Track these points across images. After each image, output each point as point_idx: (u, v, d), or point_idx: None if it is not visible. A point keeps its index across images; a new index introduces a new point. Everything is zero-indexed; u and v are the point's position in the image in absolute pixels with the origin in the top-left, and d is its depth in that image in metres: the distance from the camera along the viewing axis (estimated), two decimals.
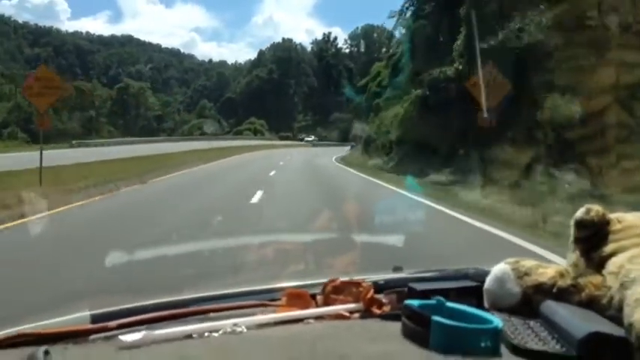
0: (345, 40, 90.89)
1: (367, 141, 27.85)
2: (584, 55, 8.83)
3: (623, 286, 0.72)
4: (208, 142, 41.21)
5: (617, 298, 0.72)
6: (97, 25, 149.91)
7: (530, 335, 0.72)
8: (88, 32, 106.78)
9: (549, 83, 9.69)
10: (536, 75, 10.15)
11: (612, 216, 0.82)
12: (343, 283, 0.90)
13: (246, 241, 4.37)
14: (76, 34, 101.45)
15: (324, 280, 0.92)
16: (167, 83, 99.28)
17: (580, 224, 0.82)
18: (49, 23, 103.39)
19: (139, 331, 0.77)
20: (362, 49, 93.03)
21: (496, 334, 0.66)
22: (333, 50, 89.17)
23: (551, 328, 0.72)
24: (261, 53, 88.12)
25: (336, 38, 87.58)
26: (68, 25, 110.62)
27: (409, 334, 0.69)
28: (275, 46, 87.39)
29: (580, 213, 0.82)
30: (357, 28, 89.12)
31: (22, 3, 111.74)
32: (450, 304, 0.73)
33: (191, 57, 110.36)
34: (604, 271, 0.78)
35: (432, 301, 0.74)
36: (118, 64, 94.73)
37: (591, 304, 0.76)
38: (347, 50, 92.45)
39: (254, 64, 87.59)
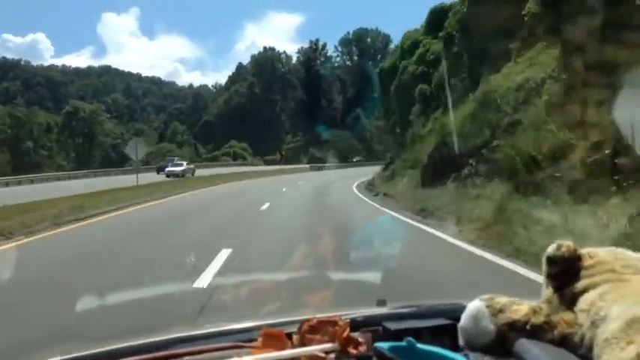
0: (336, 47, 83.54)
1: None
2: None
3: (594, 325, 0.76)
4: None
5: (588, 337, 0.75)
6: (80, 61, 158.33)
7: None
8: (63, 65, 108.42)
9: None
10: None
11: (584, 251, 0.86)
12: (319, 322, 0.93)
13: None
14: (52, 67, 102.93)
15: (301, 318, 0.96)
16: (144, 110, 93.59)
17: (551, 260, 0.85)
18: (33, 62, 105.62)
19: None
20: (355, 57, 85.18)
21: None
22: (322, 59, 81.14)
23: None
24: (240, 67, 79.62)
25: (325, 45, 79.91)
26: (51, 62, 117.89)
27: None
28: (255, 58, 78.95)
29: (551, 249, 0.86)
30: (349, 32, 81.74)
31: (4, 42, 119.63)
32: (420, 345, 0.77)
33: (172, 84, 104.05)
34: (576, 309, 0.81)
35: (403, 343, 0.77)
36: (93, 94, 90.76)
37: (564, 342, 0.79)
38: (338, 58, 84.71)
39: (232, 80, 79.22)
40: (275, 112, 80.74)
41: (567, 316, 0.82)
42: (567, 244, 0.86)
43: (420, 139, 21.21)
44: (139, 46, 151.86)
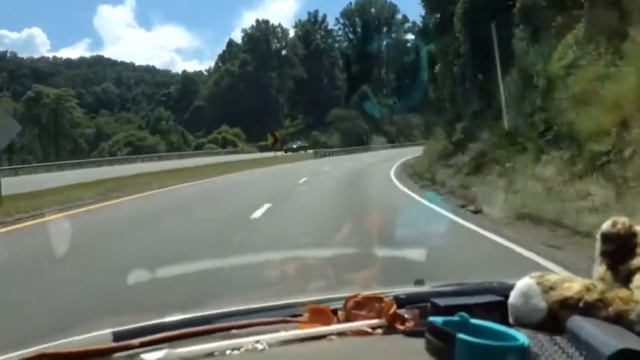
0: (337, 20, 76.63)
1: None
2: None
3: None
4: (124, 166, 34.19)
5: None
6: (76, 53, 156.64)
7: (558, 352, 0.76)
8: (54, 57, 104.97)
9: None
10: None
11: (639, 228, 0.87)
12: (365, 298, 0.97)
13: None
14: (42, 59, 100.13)
15: (346, 295, 0.99)
16: (135, 99, 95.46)
17: (606, 237, 0.86)
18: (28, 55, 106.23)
19: (161, 349, 0.84)
20: (359, 29, 78.08)
21: (523, 352, 0.69)
22: (323, 33, 74.24)
23: (579, 344, 0.75)
24: (231, 44, 72.90)
25: (325, 18, 73.16)
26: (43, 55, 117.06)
27: (433, 352, 0.73)
28: (248, 33, 72.17)
29: (606, 226, 0.86)
30: (351, 3, 74.75)
31: (0, 39, 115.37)
32: (474, 320, 0.78)
33: (166, 72, 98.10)
34: (631, 285, 0.82)
35: (456, 318, 0.78)
36: (83, 84, 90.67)
37: (619, 319, 0.79)
38: (340, 32, 77.98)
39: (223, 58, 72.45)
40: (271, 92, 74.41)
41: (622, 293, 0.81)
42: (623, 220, 0.86)
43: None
44: (135, 38, 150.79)
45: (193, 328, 0.95)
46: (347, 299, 0.98)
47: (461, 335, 0.69)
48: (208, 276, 4.89)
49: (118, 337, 0.93)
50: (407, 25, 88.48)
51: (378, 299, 0.96)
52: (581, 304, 0.81)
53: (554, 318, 0.82)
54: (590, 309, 0.81)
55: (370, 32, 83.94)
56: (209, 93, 75.69)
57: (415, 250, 4.66)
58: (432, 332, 0.75)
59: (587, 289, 0.83)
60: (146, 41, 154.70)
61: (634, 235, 0.86)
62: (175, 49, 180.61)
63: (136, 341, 0.87)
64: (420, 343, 0.76)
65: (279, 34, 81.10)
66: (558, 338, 0.79)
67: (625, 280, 0.84)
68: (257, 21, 78.08)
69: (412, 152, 31.73)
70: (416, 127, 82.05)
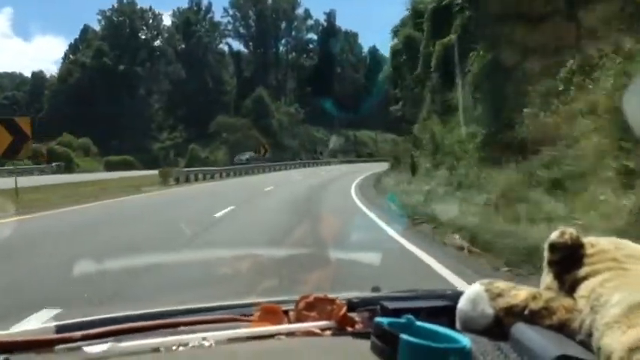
0: (225, 10, 64.89)
1: None
2: None
3: (594, 310, 0.82)
4: None
5: (588, 322, 0.82)
6: None
7: (500, 357, 0.82)
8: None
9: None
10: None
11: (586, 240, 0.94)
12: (316, 299, 1.02)
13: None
14: None
15: (298, 297, 1.06)
16: None
17: (553, 247, 0.92)
18: None
19: (105, 342, 0.86)
20: (252, 23, 66.17)
21: (464, 354, 0.74)
22: (208, 25, 61.46)
23: (521, 350, 0.82)
24: (86, 30, 57.74)
25: (210, 6, 60.82)
26: None
27: (378, 352, 0.78)
28: (107, 16, 57.55)
29: (554, 235, 0.93)
30: None
31: None
32: (419, 323, 0.83)
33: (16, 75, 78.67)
34: (576, 295, 0.88)
35: (402, 320, 0.83)
36: None
37: (563, 327, 0.86)
38: (229, 25, 65.97)
39: (73, 48, 56.94)
40: (139, 93, 60.41)
41: (567, 302, 0.88)
42: (570, 231, 0.92)
43: None
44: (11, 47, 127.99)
45: (140, 322, 0.99)
46: (298, 300, 1.02)
47: (404, 336, 0.74)
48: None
49: (61, 329, 0.96)
50: (309, 22, 78.80)
51: (330, 301, 1.00)
52: (526, 312, 0.87)
53: (500, 324, 0.88)
54: (535, 317, 0.87)
55: (266, 27, 73.75)
56: (52, 93, 59.58)
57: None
58: (377, 333, 0.79)
59: (533, 298, 0.89)
60: (23, 51, 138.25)
61: (581, 245, 0.92)
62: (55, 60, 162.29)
63: (78, 334, 0.90)
64: (366, 345, 0.81)
65: (150, 21, 67.54)
66: (502, 344, 0.84)
67: (570, 290, 0.89)
68: (120, 1, 63.16)
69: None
70: (321, 142, 71.85)
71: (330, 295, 1.04)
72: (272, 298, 1.14)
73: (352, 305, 1.04)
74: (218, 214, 11.46)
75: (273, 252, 6.56)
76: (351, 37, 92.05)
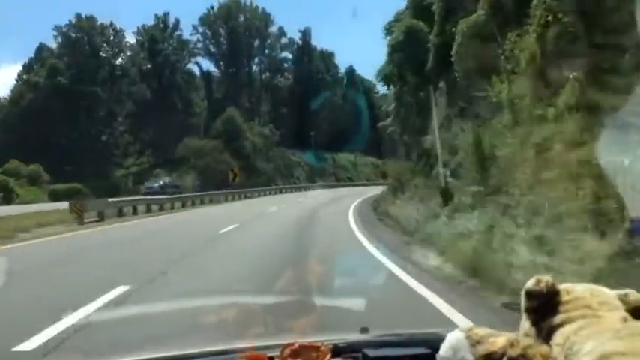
0: (194, 28, 60.72)
1: None
2: None
3: (567, 358, 0.85)
4: None
5: None
6: None
7: None
8: None
9: None
10: None
11: (562, 286, 0.97)
12: (301, 346, 1.02)
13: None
14: None
15: (283, 342, 1.05)
16: None
17: (530, 294, 0.95)
18: None
19: None
20: (223, 41, 62.17)
21: None
22: (175, 43, 57.30)
23: None
24: (42, 49, 52.67)
25: (178, 23, 56.56)
26: None
27: None
28: (63, 31, 52.66)
29: (530, 283, 0.96)
30: (212, 7, 59.49)
31: None
32: None
33: None
34: (551, 342, 0.91)
35: None
36: None
37: None
38: (199, 44, 61.99)
39: (27, 68, 51.77)
40: (98, 115, 54.88)
41: (543, 349, 0.90)
42: (546, 278, 0.95)
43: None
44: None
45: None
46: (284, 347, 1.02)
47: None
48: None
49: None
50: (284, 40, 75.11)
51: (315, 348, 1.01)
52: (504, 359, 0.90)
53: None
54: None
55: (238, 46, 69.98)
56: (3, 116, 54.04)
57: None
58: None
59: (511, 344, 0.91)
60: None
61: (556, 292, 0.94)
62: None
63: None
64: None
65: (111, 37, 62.58)
66: None
67: (546, 336, 0.92)
68: (78, 16, 58.42)
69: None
70: (298, 166, 67.53)
71: (315, 341, 1.05)
72: (257, 343, 1.13)
73: (338, 351, 1.05)
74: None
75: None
76: (327, 57, 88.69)
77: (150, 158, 62.32)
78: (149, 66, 64.26)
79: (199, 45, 72.86)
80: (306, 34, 78.93)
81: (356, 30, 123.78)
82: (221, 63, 71.61)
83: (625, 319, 0.91)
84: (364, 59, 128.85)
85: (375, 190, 31.40)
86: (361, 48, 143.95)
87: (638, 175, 5.08)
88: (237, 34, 70.10)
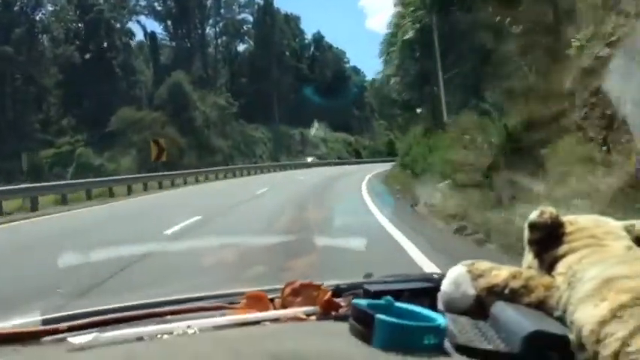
0: None
1: None
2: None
3: (571, 286, 0.84)
4: None
5: (565, 298, 0.84)
6: None
7: (477, 334, 0.84)
8: None
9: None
10: None
11: (565, 218, 0.96)
12: (302, 285, 1.02)
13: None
14: None
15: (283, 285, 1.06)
16: None
17: (533, 226, 0.95)
18: None
19: (89, 333, 0.87)
20: None
21: (439, 332, 0.76)
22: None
23: (499, 328, 0.84)
24: None
25: None
26: None
27: (356, 334, 0.79)
28: None
29: (533, 215, 0.95)
30: None
31: None
32: (398, 304, 0.85)
33: None
34: (554, 272, 0.91)
35: (381, 301, 0.85)
36: None
37: (541, 304, 0.88)
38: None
39: None
40: (15, 83, 44.85)
41: (546, 280, 0.90)
42: (550, 210, 0.95)
43: None
44: None
45: (129, 312, 1.00)
46: (284, 286, 1.03)
47: (379, 316, 0.75)
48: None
49: (47, 322, 0.98)
50: None
51: (315, 287, 1.01)
52: (506, 291, 0.90)
53: (482, 304, 0.90)
54: (515, 295, 0.89)
55: (188, 3, 59.16)
56: None
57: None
58: (355, 314, 0.81)
59: (513, 277, 0.91)
60: None
61: (560, 224, 0.94)
62: None
63: (64, 325, 0.93)
64: (346, 327, 0.82)
65: None
66: (481, 322, 0.87)
67: (549, 268, 0.91)
68: None
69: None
70: (261, 142, 58.73)
71: (317, 282, 1.05)
72: (259, 287, 1.12)
73: (338, 291, 1.06)
74: None
75: None
76: (293, 21, 79.57)
77: (84, 134, 52.54)
78: (80, 25, 54.08)
79: (142, 2, 62.87)
80: None
81: None
82: (169, 23, 61.59)
83: (630, 248, 0.90)
84: (333, 25, 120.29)
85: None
86: (329, 14, 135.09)
87: None
88: None
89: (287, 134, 65.95)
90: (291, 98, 68.02)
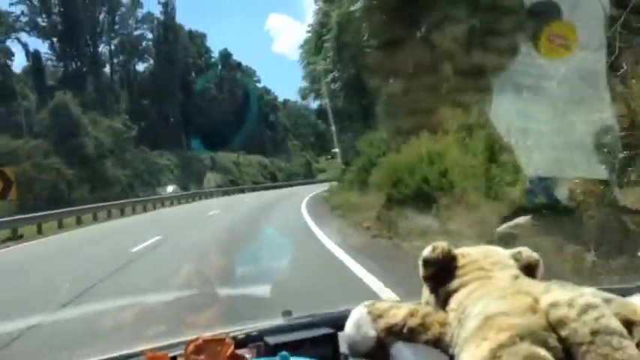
0: None
1: None
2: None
3: (460, 323, 0.85)
4: None
5: (456, 335, 0.85)
6: None
7: None
8: None
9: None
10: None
11: (457, 251, 0.98)
12: (205, 341, 1.01)
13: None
14: None
15: (187, 339, 1.03)
16: None
17: (426, 262, 0.96)
18: None
19: None
20: (55, 7, 46.88)
21: None
22: None
23: None
24: None
25: None
26: None
27: None
28: None
29: (426, 251, 0.96)
30: None
31: None
32: (294, 358, 0.88)
33: None
34: (447, 308, 0.91)
35: (276, 358, 0.89)
36: None
37: (437, 342, 0.88)
38: (25, 15, 46.83)
39: None
40: None
41: (440, 316, 0.91)
42: (442, 245, 0.96)
43: None
44: None
45: None
46: (187, 344, 1.00)
47: None
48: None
49: None
50: (140, 12, 60.13)
51: (219, 342, 0.99)
52: (405, 330, 0.90)
53: (382, 346, 0.90)
54: (413, 334, 0.90)
55: (77, 17, 53.09)
56: None
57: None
58: None
59: (411, 315, 0.91)
60: None
61: (452, 258, 0.95)
62: None
63: None
64: None
65: None
66: None
67: (444, 303, 0.92)
68: None
69: None
70: (167, 170, 53.13)
71: (219, 332, 1.04)
72: (159, 344, 1.08)
73: (242, 341, 1.04)
74: None
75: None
76: (198, 38, 74.66)
77: None
78: None
79: (23, 18, 55.57)
80: (168, 6, 64.41)
81: (229, 11, 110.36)
82: (54, 40, 54.93)
83: (516, 277, 0.91)
84: (240, 43, 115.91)
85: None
86: (236, 31, 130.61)
87: (535, 135, 5.15)
88: (75, 3, 53.78)
89: (197, 159, 60.76)
90: (200, 121, 62.98)
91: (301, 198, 25.65)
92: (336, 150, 25.07)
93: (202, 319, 4.13)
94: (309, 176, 73.46)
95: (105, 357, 1.09)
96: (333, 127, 24.65)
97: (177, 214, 26.20)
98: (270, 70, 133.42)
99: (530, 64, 4.55)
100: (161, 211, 30.83)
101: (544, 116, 4.80)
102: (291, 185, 55.80)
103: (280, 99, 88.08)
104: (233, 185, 58.96)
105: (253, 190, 51.08)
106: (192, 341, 0.98)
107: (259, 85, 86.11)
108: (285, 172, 72.59)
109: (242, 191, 49.84)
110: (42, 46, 56.65)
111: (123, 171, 43.25)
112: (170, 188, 45.03)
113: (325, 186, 30.00)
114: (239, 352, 0.99)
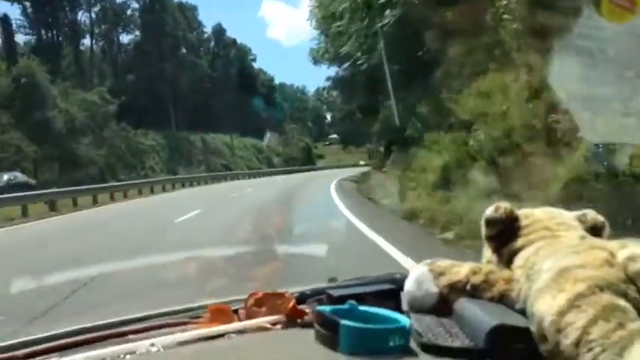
0: None
1: None
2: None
3: (529, 279, 0.87)
4: None
5: (524, 291, 0.87)
6: None
7: (442, 332, 0.86)
8: None
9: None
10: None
11: (520, 212, 0.99)
12: (265, 295, 1.02)
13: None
14: None
15: (246, 296, 1.05)
16: None
17: (489, 222, 0.98)
18: None
19: (48, 359, 0.86)
20: None
21: (404, 333, 0.78)
22: None
23: (462, 324, 0.86)
24: None
25: None
26: None
27: (322, 340, 0.80)
28: None
29: (489, 211, 0.98)
30: None
31: None
32: (362, 307, 0.86)
33: None
34: (513, 266, 0.93)
35: (345, 306, 0.86)
36: None
37: (503, 298, 0.91)
38: None
39: None
40: None
41: (505, 273, 0.93)
42: (504, 205, 0.97)
43: None
44: None
45: (90, 334, 0.97)
46: (247, 297, 1.02)
47: (344, 321, 0.76)
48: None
49: (4, 350, 0.93)
50: None
51: (279, 295, 1.01)
52: (468, 287, 0.92)
53: (445, 301, 0.92)
54: (477, 291, 0.91)
55: None
56: None
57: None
58: (319, 321, 0.81)
59: (474, 273, 0.93)
60: None
61: (515, 218, 0.97)
62: None
63: (21, 352, 0.89)
64: (312, 334, 0.82)
65: None
66: (445, 320, 0.88)
67: (508, 262, 0.94)
68: None
69: None
70: (152, 152, 47.68)
71: (281, 290, 1.05)
72: (221, 299, 1.12)
73: (303, 297, 1.06)
74: None
75: None
76: (188, 11, 68.89)
77: None
78: None
79: None
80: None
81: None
82: (27, 5, 49.14)
83: (583, 237, 0.92)
84: (235, 28, 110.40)
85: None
86: (230, 16, 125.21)
87: (596, 101, 4.89)
88: None
89: (186, 141, 55.36)
90: (190, 100, 57.50)
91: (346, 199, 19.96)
92: (396, 122, 20.90)
93: (260, 275, 3.60)
94: (309, 162, 68.49)
95: (172, 309, 1.10)
96: (390, 90, 21.32)
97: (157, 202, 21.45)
98: (264, 56, 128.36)
99: (594, 26, 4.03)
100: (141, 201, 25.74)
101: (605, 81, 4.46)
102: (290, 172, 50.58)
103: (276, 83, 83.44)
104: (226, 169, 53.82)
105: (250, 175, 45.71)
106: (252, 294, 0.99)
107: (255, 65, 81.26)
108: (283, 156, 67.40)
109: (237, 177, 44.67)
110: (13, 11, 50.80)
111: (98, 151, 37.77)
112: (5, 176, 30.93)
113: (341, 174, 26.48)
114: (300, 306, 0.99)
